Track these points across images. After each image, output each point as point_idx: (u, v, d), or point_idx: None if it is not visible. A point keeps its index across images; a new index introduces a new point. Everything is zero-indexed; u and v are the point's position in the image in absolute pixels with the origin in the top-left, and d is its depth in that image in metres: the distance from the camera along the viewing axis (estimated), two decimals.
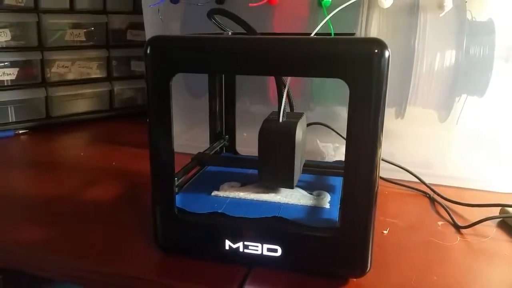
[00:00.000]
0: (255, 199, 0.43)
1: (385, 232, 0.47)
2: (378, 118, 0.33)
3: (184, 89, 0.70)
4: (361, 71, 0.32)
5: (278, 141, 0.40)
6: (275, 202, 0.42)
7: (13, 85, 0.82)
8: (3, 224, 0.48)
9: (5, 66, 0.81)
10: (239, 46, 0.36)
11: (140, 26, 0.90)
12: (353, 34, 0.49)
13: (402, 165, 0.59)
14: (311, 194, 0.45)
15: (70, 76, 0.89)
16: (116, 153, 0.73)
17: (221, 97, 0.55)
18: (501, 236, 0.47)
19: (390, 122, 0.60)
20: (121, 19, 0.93)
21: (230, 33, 0.46)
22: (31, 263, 0.43)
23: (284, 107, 0.41)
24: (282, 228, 0.38)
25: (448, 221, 0.50)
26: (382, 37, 0.33)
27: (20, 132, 0.83)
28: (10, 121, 0.83)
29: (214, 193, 0.45)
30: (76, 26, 0.87)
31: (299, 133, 0.41)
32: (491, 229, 0.48)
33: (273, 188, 0.44)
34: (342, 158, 0.35)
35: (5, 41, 0.80)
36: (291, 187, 0.42)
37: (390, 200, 0.56)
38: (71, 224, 0.48)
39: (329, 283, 0.38)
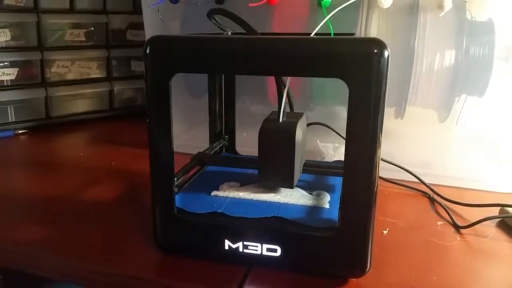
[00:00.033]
0: (254, 199, 0.43)
1: (385, 232, 0.47)
2: (378, 118, 0.33)
3: (184, 89, 0.70)
4: (361, 71, 0.32)
5: (278, 141, 0.40)
6: (274, 202, 0.43)
7: (13, 85, 0.82)
8: (3, 224, 0.48)
9: (4, 66, 0.81)
10: (239, 46, 0.36)
11: (140, 26, 0.90)
12: (353, 34, 0.49)
13: (402, 165, 0.59)
14: (310, 194, 0.45)
15: (70, 76, 0.89)
16: (116, 153, 0.73)
17: (221, 97, 0.55)
18: (501, 236, 0.47)
19: (390, 122, 0.60)
20: (121, 19, 0.93)
21: (230, 33, 0.46)
22: (31, 263, 0.43)
23: (284, 107, 0.41)
24: (281, 228, 0.38)
25: (447, 221, 0.50)
26: (381, 37, 0.33)
27: (20, 132, 0.83)
28: (10, 121, 0.83)
29: (214, 193, 0.45)
30: (76, 26, 0.87)
31: (299, 133, 0.41)
32: (490, 229, 0.48)
33: (273, 188, 0.44)
34: (342, 158, 0.35)
35: (5, 41, 0.80)
36: (291, 187, 0.42)
37: (389, 200, 0.56)
38: (71, 224, 0.48)
39: (328, 283, 0.38)
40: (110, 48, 0.92)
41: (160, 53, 0.37)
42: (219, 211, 0.40)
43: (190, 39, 0.38)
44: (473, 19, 0.56)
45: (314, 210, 0.41)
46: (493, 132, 0.59)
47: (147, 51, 0.36)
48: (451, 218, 0.50)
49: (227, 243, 0.39)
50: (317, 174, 0.49)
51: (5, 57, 0.80)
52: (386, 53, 0.32)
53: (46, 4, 0.83)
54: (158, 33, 0.38)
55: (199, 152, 0.51)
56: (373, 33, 0.57)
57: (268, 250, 0.38)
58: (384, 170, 0.57)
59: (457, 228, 0.48)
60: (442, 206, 0.53)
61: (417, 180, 0.58)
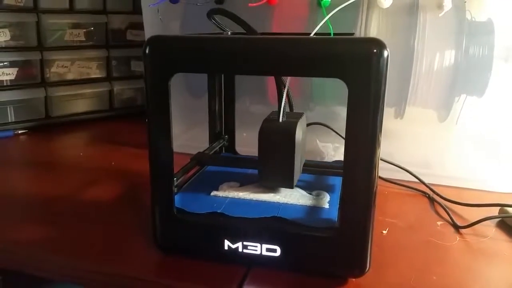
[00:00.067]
0: (254, 199, 0.43)
1: (384, 232, 0.47)
2: (377, 118, 0.33)
3: (183, 89, 0.70)
4: (360, 71, 0.32)
5: (278, 141, 0.40)
6: (274, 202, 0.43)
7: (13, 85, 0.82)
8: (3, 224, 0.48)
9: (4, 66, 0.81)
10: (238, 46, 0.36)
11: (140, 26, 0.89)
12: (353, 34, 0.49)
13: (402, 165, 0.59)
14: (310, 194, 0.45)
15: (70, 76, 0.89)
16: (116, 153, 0.73)
17: (221, 97, 0.55)
18: (500, 236, 0.47)
19: (389, 122, 0.60)
20: (121, 19, 0.93)
21: (229, 33, 0.46)
22: (31, 263, 0.43)
23: (284, 107, 0.41)
24: (281, 228, 0.38)
25: (447, 221, 0.50)
26: (381, 37, 0.33)
27: (20, 132, 0.83)
28: (10, 121, 0.83)
29: (214, 193, 0.45)
30: (75, 26, 0.87)
31: (299, 133, 0.41)
32: (490, 229, 0.48)
33: (272, 188, 0.44)
34: (342, 158, 0.35)
35: (5, 41, 0.80)
36: (291, 187, 0.42)
37: (389, 200, 0.56)
38: (71, 224, 0.48)
39: (328, 283, 0.38)
40: (110, 48, 0.92)
41: (160, 53, 0.37)
42: (218, 211, 0.40)
43: (190, 39, 0.38)
44: (473, 19, 0.56)
45: (314, 210, 0.41)
46: (492, 132, 0.59)
47: (147, 51, 0.36)
48: (450, 218, 0.50)
49: (226, 243, 0.39)
50: (317, 174, 0.49)
51: (5, 57, 0.80)
52: (385, 53, 0.32)
53: (46, 4, 0.83)
54: (158, 33, 0.38)
55: (198, 152, 0.51)
56: (372, 33, 0.57)
57: (268, 250, 0.38)
58: (383, 170, 0.58)
59: (456, 228, 0.48)
60: (442, 206, 0.53)
61: (416, 180, 0.58)
